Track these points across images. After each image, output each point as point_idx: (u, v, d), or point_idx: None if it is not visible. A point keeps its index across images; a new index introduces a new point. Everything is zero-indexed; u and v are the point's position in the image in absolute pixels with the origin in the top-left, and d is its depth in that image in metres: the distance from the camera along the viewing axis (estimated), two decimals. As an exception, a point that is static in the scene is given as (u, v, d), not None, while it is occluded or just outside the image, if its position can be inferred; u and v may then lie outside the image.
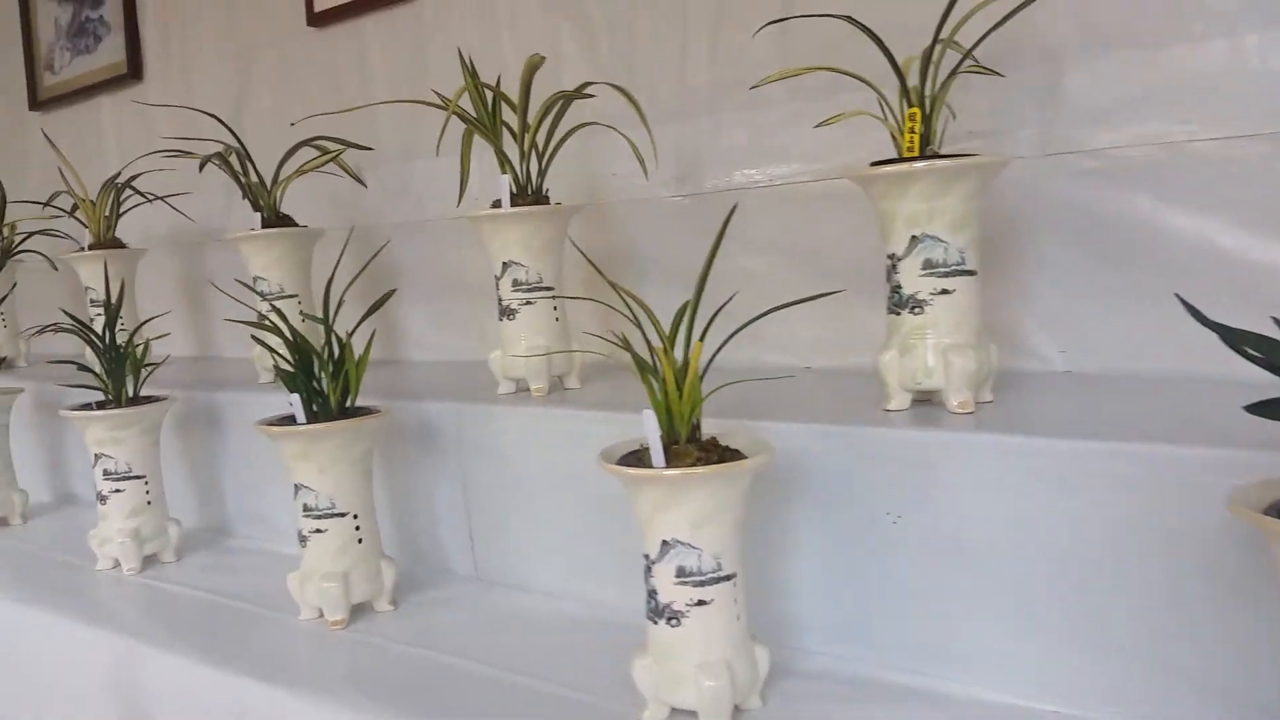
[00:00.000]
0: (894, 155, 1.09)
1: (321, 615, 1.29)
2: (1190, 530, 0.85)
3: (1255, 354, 0.68)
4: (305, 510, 1.27)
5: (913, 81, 1.08)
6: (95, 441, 1.57)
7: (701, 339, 0.94)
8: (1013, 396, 1.12)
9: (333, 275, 1.31)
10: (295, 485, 1.27)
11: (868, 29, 1.09)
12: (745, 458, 0.93)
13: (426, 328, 1.95)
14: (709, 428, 0.96)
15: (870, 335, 1.36)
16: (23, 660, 1.49)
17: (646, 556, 0.94)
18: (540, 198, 1.42)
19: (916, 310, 1.04)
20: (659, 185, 1.57)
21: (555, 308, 1.43)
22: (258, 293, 1.71)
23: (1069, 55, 1.22)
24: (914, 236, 1.03)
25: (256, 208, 1.73)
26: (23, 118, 2.88)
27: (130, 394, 1.60)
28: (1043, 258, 1.25)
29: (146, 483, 1.59)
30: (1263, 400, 0.70)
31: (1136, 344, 1.20)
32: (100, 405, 1.59)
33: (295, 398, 1.26)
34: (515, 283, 1.41)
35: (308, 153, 1.75)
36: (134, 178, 2.09)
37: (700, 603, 0.91)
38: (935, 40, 1.07)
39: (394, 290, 1.36)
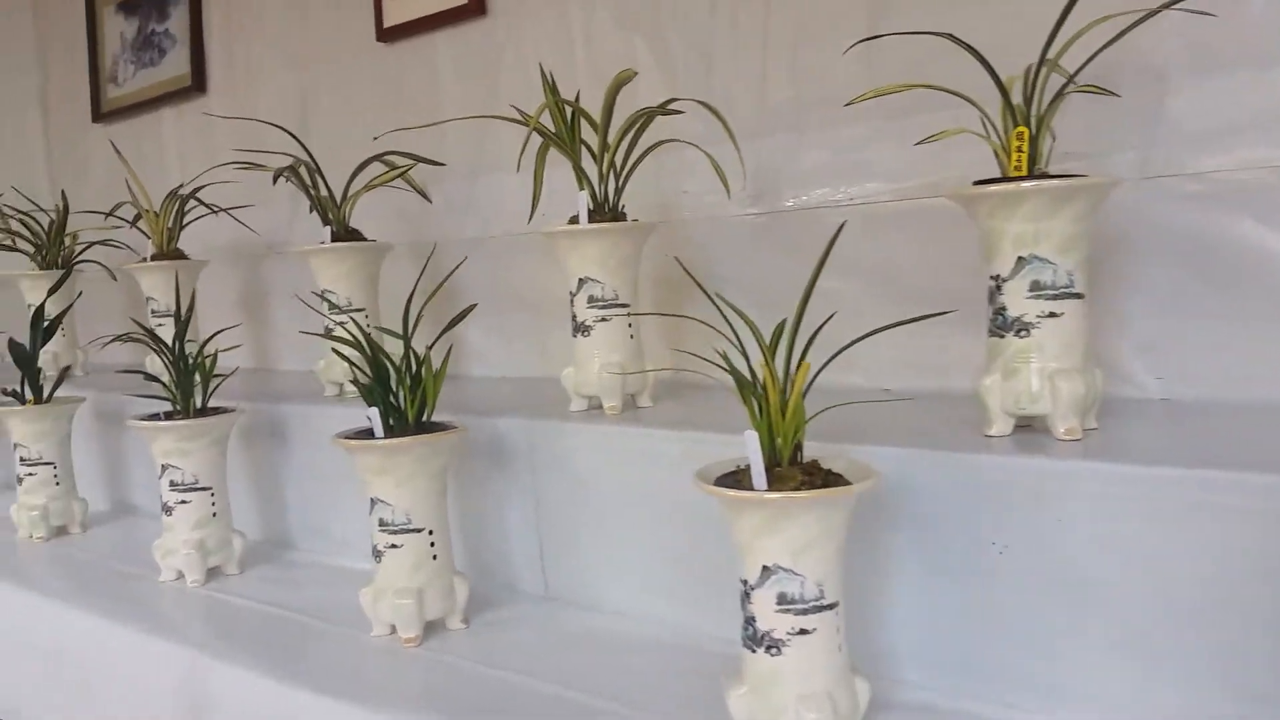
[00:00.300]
0: (984, 176, 1.07)
1: (394, 631, 1.27)
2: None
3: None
4: (381, 525, 1.25)
5: (1013, 101, 1.06)
6: (162, 452, 1.56)
7: (803, 358, 0.92)
8: (1115, 424, 1.09)
9: (414, 290, 1.30)
10: (371, 500, 1.25)
11: (970, 47, 1.07)
12: (848, 482, 0.90)
13: (488, 342, 1.94)
14: (806, 450, 0.93)
15: (952, 358, 1.34)
16: (86, 669, 1.48)
17: (744, 582, 0.91)
18: (617, 214, 1.40)
19: (1022, 333, 1.01)
20: (733, 203, 1.55)
21: (630, 324, 1.41)
22: (333, 305, 1.71)
23: (1173, 76, 1.19)
24: (1021, 257, 1.00)
25: (326, 221, 1.73)
26: (85, 129, 2.91)
27: (198, 405, 1.60)
28: (1140, 282, 1.22)
29: (212, 494, 1.58)
30: None
31: (1238, 370, 1.17)
32: (168, 416, 1.59)
33: (374, 411, 1.24)
34: (591, 299, 1.39)
35: (377, 167, 1.75)
36: (198, 189, 2.10)
37: (802, 631, 0.88)
38: (1042, 60, 1.05)
39: (474, 305, 1.35)
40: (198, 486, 1.57)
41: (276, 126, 1.84)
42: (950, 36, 1.09)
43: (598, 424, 1.36)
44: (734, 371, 0.92)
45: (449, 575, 1.29)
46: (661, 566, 1.26)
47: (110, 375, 2.38)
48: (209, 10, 2.51)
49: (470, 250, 1.89)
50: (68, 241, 2.41)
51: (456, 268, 1.42)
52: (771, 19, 1.53)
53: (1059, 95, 1.05)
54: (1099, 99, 1.16)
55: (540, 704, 1.08)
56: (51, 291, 2.10)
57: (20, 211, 2.40)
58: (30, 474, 1.90)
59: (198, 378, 1.58)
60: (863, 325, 0.97)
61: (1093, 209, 1.01)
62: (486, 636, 1.28)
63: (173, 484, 1.57)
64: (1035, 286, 1.01)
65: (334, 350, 1.34)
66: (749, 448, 0.90)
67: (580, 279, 1.39)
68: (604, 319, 1.39)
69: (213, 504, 1.58)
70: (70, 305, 2.20)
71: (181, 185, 2.13)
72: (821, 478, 0.90)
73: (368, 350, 1.26)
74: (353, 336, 1.28)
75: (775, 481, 0.89)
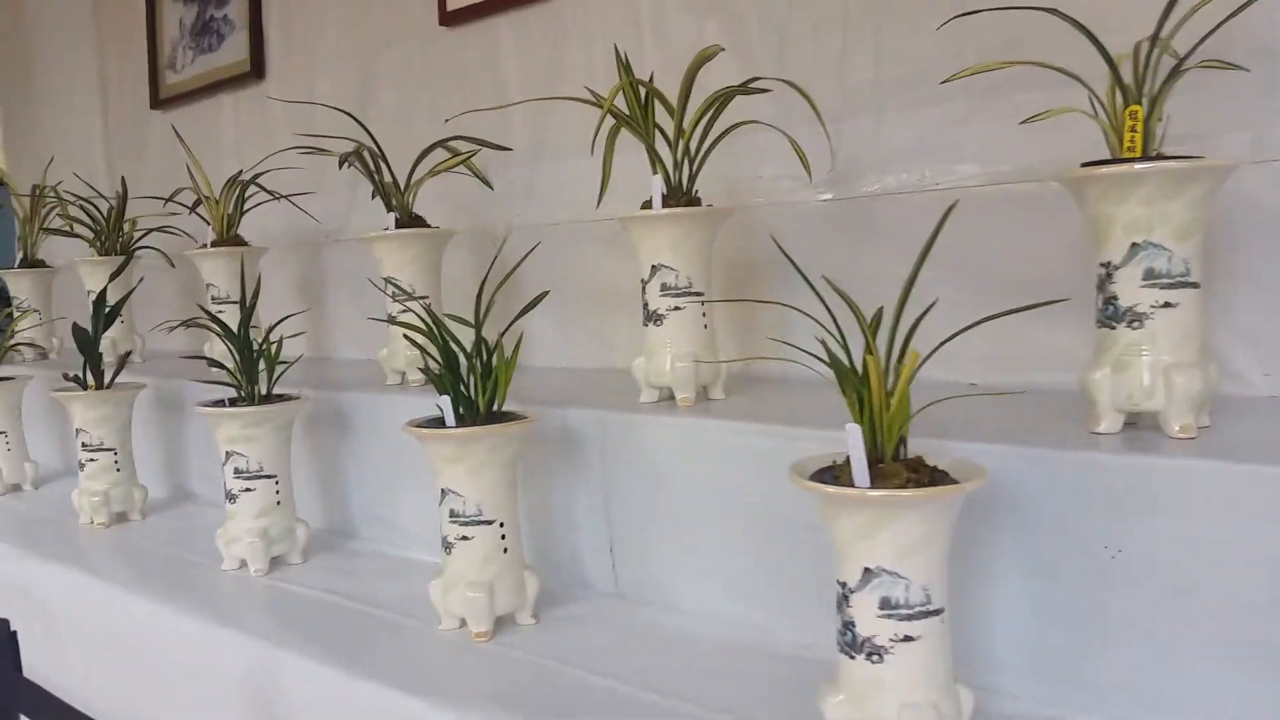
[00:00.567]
0: (1081, 159, 1.01)
1: (463, 625, 1.24)
2: None
3: None
4: (452, 516, 1.22)
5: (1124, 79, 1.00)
6: (227, 439, 1.55)
7: (906, 346, 0.87)
8: (1227, 421, 1.03)
9: (485, 276, 1.27)
10: (442, 490, 1.23)
11: (1078, 23, 1.02)
12: (956, 480, 0.85)
13: (549, 332, 1.90)
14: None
15: (1043, 352, 1.29)
16: (151, 656, 1.47)
17: (842, 584, 0.87)
18: (692, 199, 1.36)
19: (1135, 324, 0.96)
20: (808, 188, 1.50)
21: (704, 313, 1.37)
22: (400, 290, 1.68)
23: (1290, 53, 1.12)
24: (1134, 244, 0.95)
25: (390, 208, 1.70)
26: (144, 116, 2.92)
27: (263, 392, 1.58)
28: (1249, 272, 1.16)
29: (277, 482, 1.56)
30: None
31: (1355, 368, 1.10)
32: (232, 403, 1.57)
33: (445, 400, 1.21)
34: (664, 286, 1.35)
35: (440, 153, 1.72)
36: (258, 175, 2.08)
37: (907, 638, 0.84)
38: (1156, 35, 0.99)
39: (546, 292, 1.31)
40: (262, 474, 1.55)
41: (342, 111, 1.81)
42: (1055, 11, 1.04)
43: (671, 415, 1.32)
44: (835, 362, 0.87)
45: (519, 569, 1.26)
46: (737, 565, 1.22)
47: (168, 362, 2.37)
48: (268, -5, 2.50)
49: (532, 237, 1.86)
50: (126, 228, 2.41)
51: (528, 254, 1.38)
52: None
53: (1175, 72, 0.99)
54: (1206, 79, 1.09)
55: (618, 705, 1.05)
56: (113, 277, 2.10)
57: (79, 198, 2.40)
58: (92, 459, 1.90)
59: (262, 364, 1.57)
60: (951, 316, 0.92)
61: (1211, 193, 0.95)
62: (557, 633, 1.25)
63: (237, 471, 1.55)
64: (1149, 275, 0.95)
65: (405, 337, 1.31)
66: (850, 442, 0.86)
67: (653, 266, 1.35)
68: (677, 307, 1.35)
69: (276, 492, 1.57)
70: (131, 291, 2.20)
71: (241, 171, 2.11)
72: (928, 475, 0.86)
73: (439, 338, 1.23)
74: (425, 323, 1.25)
75: (878, 478, 0.85)
